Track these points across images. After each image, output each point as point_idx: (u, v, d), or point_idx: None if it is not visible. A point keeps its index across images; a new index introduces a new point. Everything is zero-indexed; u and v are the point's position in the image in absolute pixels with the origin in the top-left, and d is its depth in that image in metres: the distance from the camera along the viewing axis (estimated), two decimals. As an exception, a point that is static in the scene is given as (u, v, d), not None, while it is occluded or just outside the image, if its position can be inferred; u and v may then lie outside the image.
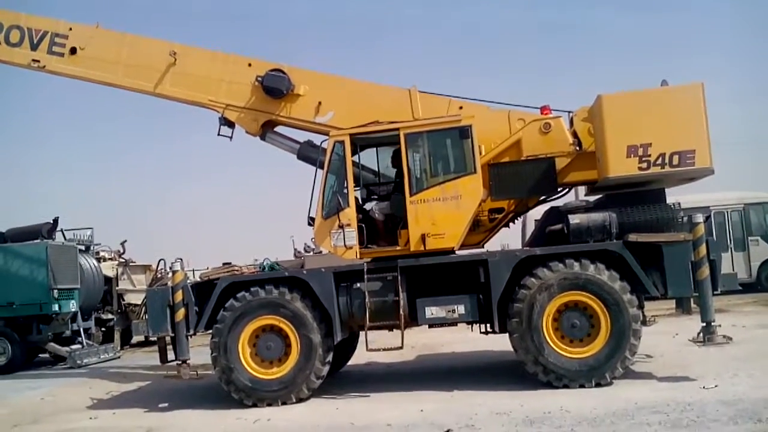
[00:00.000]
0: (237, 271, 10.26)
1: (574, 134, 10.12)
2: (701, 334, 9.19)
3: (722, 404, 7.46)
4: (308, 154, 11.01)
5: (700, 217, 9.11)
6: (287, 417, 8.88)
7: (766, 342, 11.48)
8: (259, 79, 10.98)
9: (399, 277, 9.54)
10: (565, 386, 8.98)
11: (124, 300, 20.50)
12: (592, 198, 10.66)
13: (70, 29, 11.89)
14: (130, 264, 21.51)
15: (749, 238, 21.34)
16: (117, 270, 20.89)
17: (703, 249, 8.97)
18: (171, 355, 10.40)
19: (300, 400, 9.58)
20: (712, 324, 9.10)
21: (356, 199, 10.07)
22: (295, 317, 9.58)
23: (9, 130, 53.29)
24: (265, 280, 9.86)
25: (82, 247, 19.48)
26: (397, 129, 9.77)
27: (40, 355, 17.93)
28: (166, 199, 60.50)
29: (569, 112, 10.38)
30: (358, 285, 9.67)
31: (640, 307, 9.44)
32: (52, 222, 17.89)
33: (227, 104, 11.33)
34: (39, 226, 17.64)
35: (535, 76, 54.84)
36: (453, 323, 9.86)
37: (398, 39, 60.29)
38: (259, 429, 8.30)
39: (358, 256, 9.78)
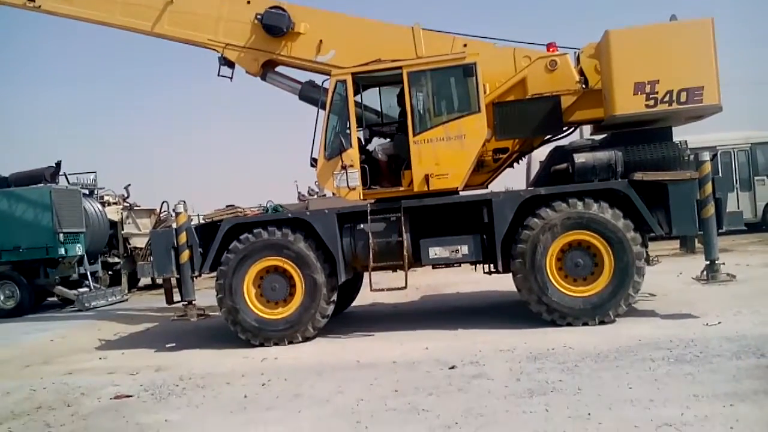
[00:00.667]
0: (240, 213, 10.24)
1: (581, 72, 9.93)
2: (705, 272, 9.20)
3: (726, 340, 7.52)
4: (310, 94, 10.83)
5: (706, 155, 9.01)
6: (294, 355, 8.99)
7: (768, 280, 11.49)
8: (259, 16, 10.73)
9: (402, 218, 9.52)
10: (569, 324, 9.05)
11: (129, 244, 20.63)
12: (598, 137, 10.54)
13: None
14: (135, 208, 21.55)
15: (755, 178, 21.24)
16: (122, 214, 20.96)
17: (708, 187, 8.89)
18: (177, 297, 10.51)
19: (306, 339, 9.70)
20: (716, 262, 9.09)
21: (359, 139, 9.97)
22: (298, 258, 9.61)
23: (12, 72, 53.00)
24: (269, 222, 9.86)
25: (86, 191, 19.51)
26: (400, 67, 9.57)
27: (48, 298, 18.17)
28: (170, 143, 60.41)
29: (576, 49, 10.16)
30: (362, 226, 9.65)
31: (644, 246, 9.45)
32: (54, 166, 17.87)
33: (227, 44, 11.09)
34: (42, 170, 17.64)
35: (545, 15, 53.79)
36: (456, 263, 9.89)
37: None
38: (267, 367, 8.39)
39: (362, 197, 9.74)
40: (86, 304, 16.62)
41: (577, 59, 10.06)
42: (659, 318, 9.21)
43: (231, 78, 11.48)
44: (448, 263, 9.86)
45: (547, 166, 10.01)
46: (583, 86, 9.84)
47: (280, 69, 11.35)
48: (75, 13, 11.61)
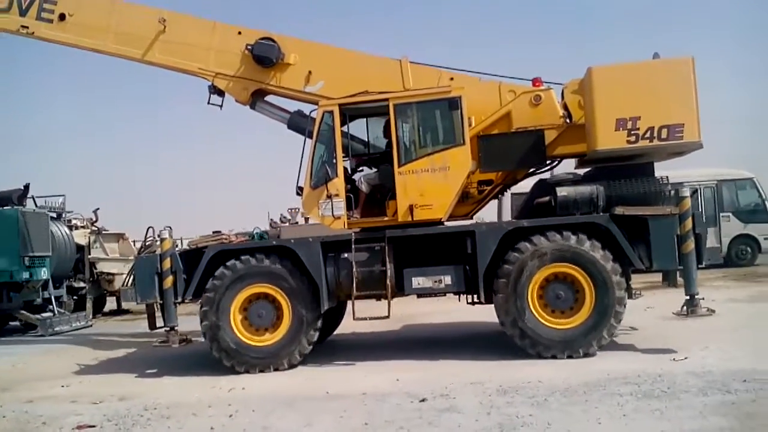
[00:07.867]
0: (225, 239, 10.22)
1: (565, 107, 10.17)
2: (685, 307, 9.35)
3: (692, 376, 7.60)
4: (298, 123, 10.91)
5: (686, 191, 9.23)
6: (262, 385, 8.87)
7: (735, 316, 11.63)
8: (249, 47, 10.85)
9: (386, 248, 9.58)
10: (539, 354, 9.12)
11: (96, 268, 20.03)
12: (581, 171, 10.74)
13: None
14: (103, 232, 21.19)
15: (721, 214, 21.66)
16: (89, 238, 20.51)
17: (689, 223, 9.07)
18: (160, 323, 10.38)
19: (291, 366, 9.65)
20: (696, 297, 9.25)
21: (345, 169, 10.06)
22: (284, 286, 9.61)
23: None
24: (255, 249, 9.86)
25: (54, 215, 19.07)
26: (387, 99, 9.72)
27: (10, 322, 17.74)
28: (145, 168, 59.71)
29: (560, 84, 10.41)
30: (346, 255, 9.69)
31: (627, 280, 9.57)
32: (22, 188, 17.56)
33: (217, 72, 11.19)
34: (9, 192, 17.30)
35: (532, 48, 54.56)
36: (439, 294, 9.95)
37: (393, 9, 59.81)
38: (234, 397, 8.24)
39: (346, 227, 9.79)
40: (50, 330, 16.14)
41: (562, 94, 10.32)
42: (629, 352, 9.28)
43: (221, 106, 11.57)
44: (431, 293, 9.92)
45: (531, 199, 10.19)
46: (567, 121, 10.07)
47: (269, 98, 11.47)
48: (68, 40, 11.64)
